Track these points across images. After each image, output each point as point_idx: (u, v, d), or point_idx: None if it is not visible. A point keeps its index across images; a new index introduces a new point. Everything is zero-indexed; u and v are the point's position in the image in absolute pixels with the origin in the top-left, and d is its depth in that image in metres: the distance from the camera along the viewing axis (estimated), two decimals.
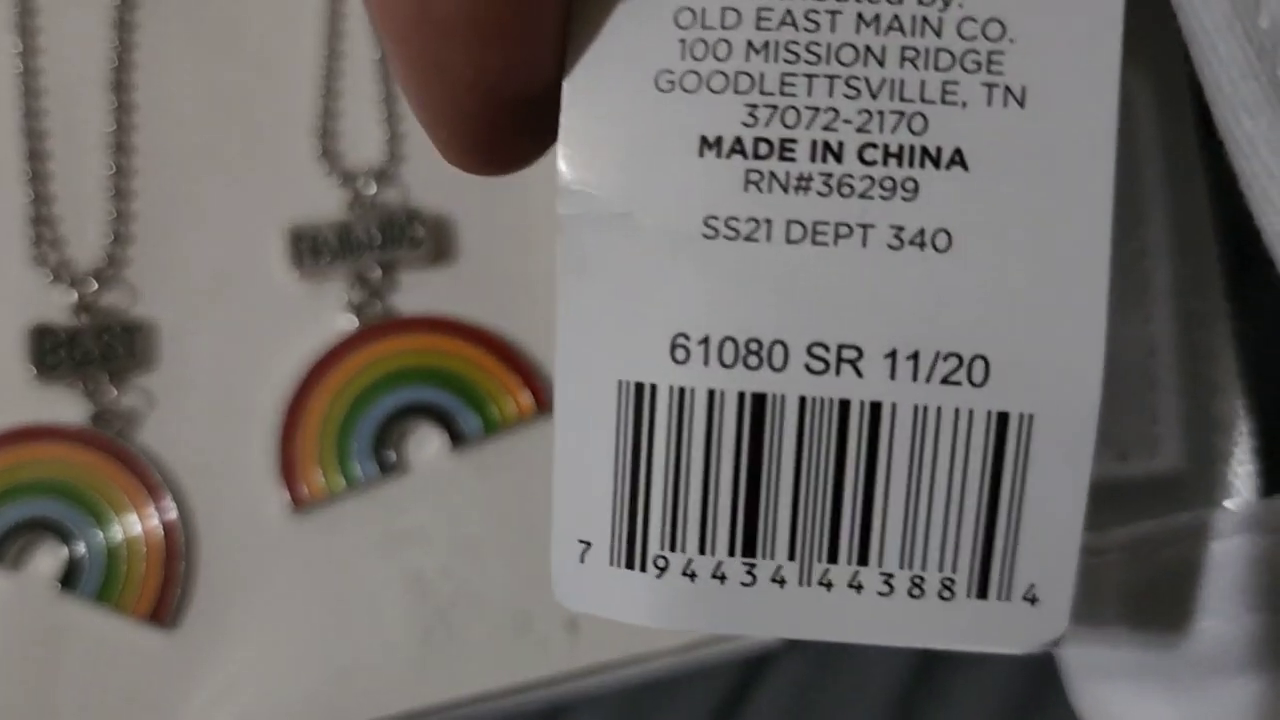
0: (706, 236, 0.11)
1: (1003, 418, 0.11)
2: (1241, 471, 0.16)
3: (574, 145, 0.11)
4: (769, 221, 0.11)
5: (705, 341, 0.11)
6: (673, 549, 0.11)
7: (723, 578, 0.11)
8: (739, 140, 0.11)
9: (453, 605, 0.27)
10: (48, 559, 0.27)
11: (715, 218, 0.11)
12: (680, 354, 0.11)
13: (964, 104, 0.10)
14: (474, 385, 0.28)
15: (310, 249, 0.28)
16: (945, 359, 0.11)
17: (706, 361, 0.11)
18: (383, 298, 0.29)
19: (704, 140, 0.11)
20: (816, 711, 0.28)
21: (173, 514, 0.27)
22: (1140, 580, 0.16)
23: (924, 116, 0.10)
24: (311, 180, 0.29)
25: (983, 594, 0.11)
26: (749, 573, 0.11)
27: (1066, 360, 0.11)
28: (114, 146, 0.29)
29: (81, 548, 0.27)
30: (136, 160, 0.29)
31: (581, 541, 0.12)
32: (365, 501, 0.28)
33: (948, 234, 0.10)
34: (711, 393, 0.11)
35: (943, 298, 0.11)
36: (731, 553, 0.11)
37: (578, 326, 0.11)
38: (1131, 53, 0.11)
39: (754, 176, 0.11)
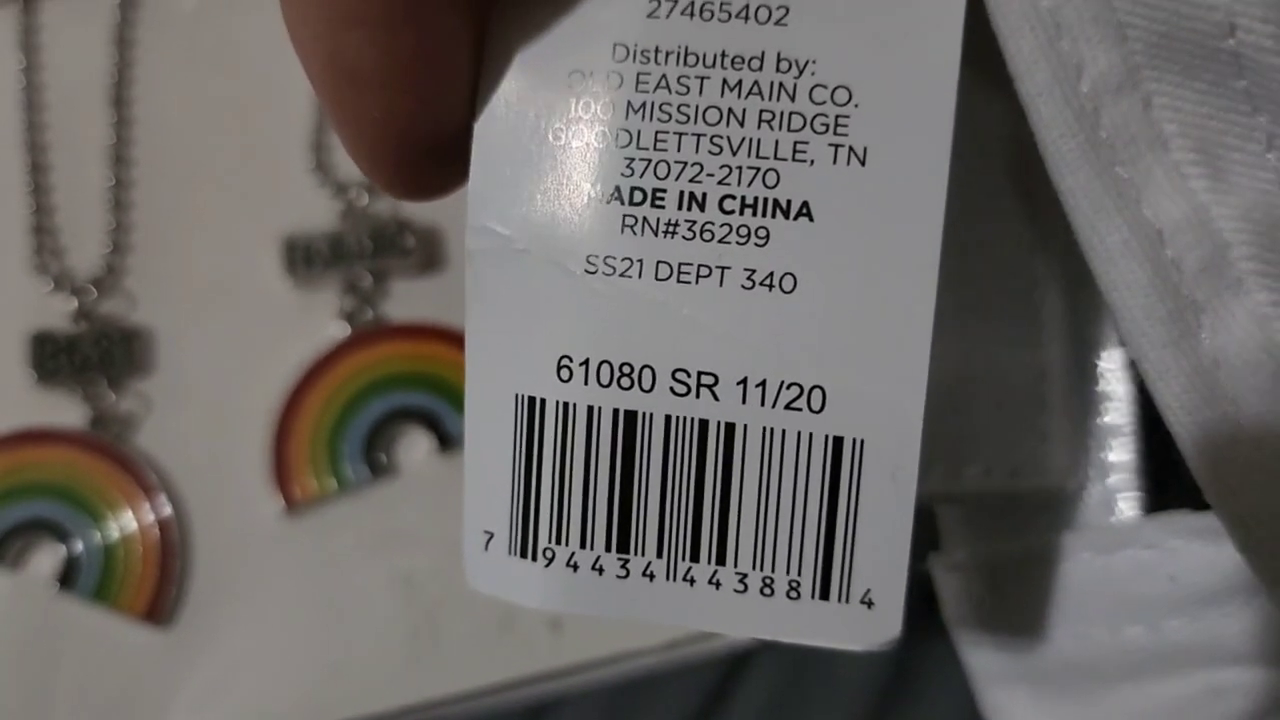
0: (588, 272, 0.12)
1: (838, 441, 0.12)
2: (1128, 488, 0.17)
3: (480, 189, 0.12)
4: (641, 261, 0.12)
5: (585, 364, 0.12)
6: (559, 542, 0.13)
7: (601, 569, 0.12)
8: (618, 189, 0.12)
9: (439, 605, 0.28)
10: (47, 559, 0.28)
11: (596, 256, 0.12)
12: (565, 373, 0.12)
13: (812, 161, 0.12)
14: (461, 389, 0.29)
15: (304, 258, 0.29)
16: (788, 387, 0.12)
17: (586, 381, 0.12)
18: (374, 305, 0.29)
19: (589, 188, 0.12)
20: (797, 708, 0.28)
21: (168, 514, 0.28)
22: (1029, 592, 0.16)
23: (777, 172, 0.12)
24: (305, 191, 0.29)
25: (825, 595, 0.12)
26: (623, 566, 0.12)
27: (893, 392, 0.12)
28: (114, 159, 0.29)
29: (79, 548, 0.28)
30: (135, 172, 0.30)
31: (486, 532, 0.13)
32: (356, 503, 0.28)
33: (793, 277, 0.12)
34: (590, 408, 0.12)
35: (786, 333, 0.12)
36: (608, 548, 0.12)
37: (482, 346, 0.13)
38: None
39: (629, 221, 0.12)
